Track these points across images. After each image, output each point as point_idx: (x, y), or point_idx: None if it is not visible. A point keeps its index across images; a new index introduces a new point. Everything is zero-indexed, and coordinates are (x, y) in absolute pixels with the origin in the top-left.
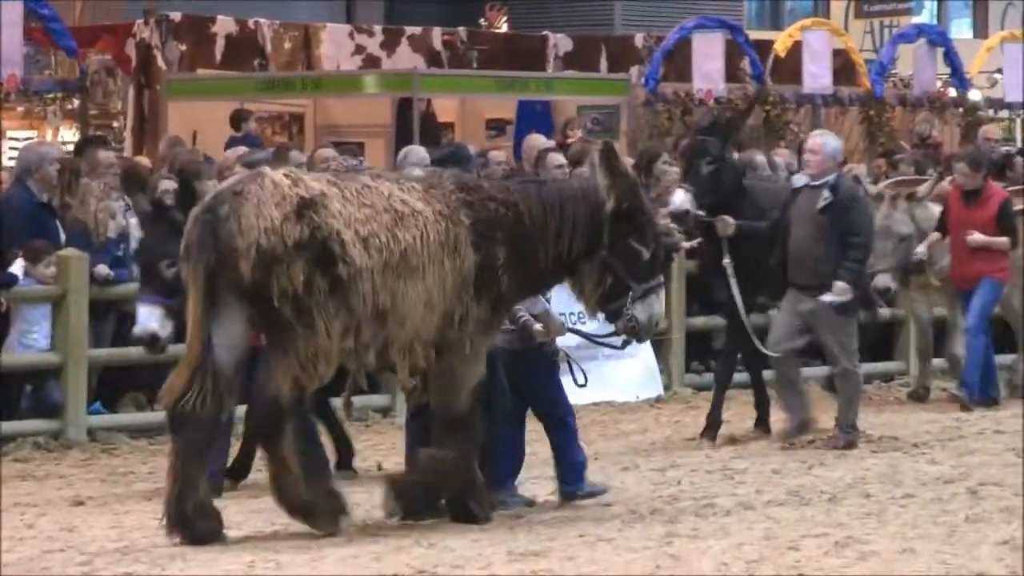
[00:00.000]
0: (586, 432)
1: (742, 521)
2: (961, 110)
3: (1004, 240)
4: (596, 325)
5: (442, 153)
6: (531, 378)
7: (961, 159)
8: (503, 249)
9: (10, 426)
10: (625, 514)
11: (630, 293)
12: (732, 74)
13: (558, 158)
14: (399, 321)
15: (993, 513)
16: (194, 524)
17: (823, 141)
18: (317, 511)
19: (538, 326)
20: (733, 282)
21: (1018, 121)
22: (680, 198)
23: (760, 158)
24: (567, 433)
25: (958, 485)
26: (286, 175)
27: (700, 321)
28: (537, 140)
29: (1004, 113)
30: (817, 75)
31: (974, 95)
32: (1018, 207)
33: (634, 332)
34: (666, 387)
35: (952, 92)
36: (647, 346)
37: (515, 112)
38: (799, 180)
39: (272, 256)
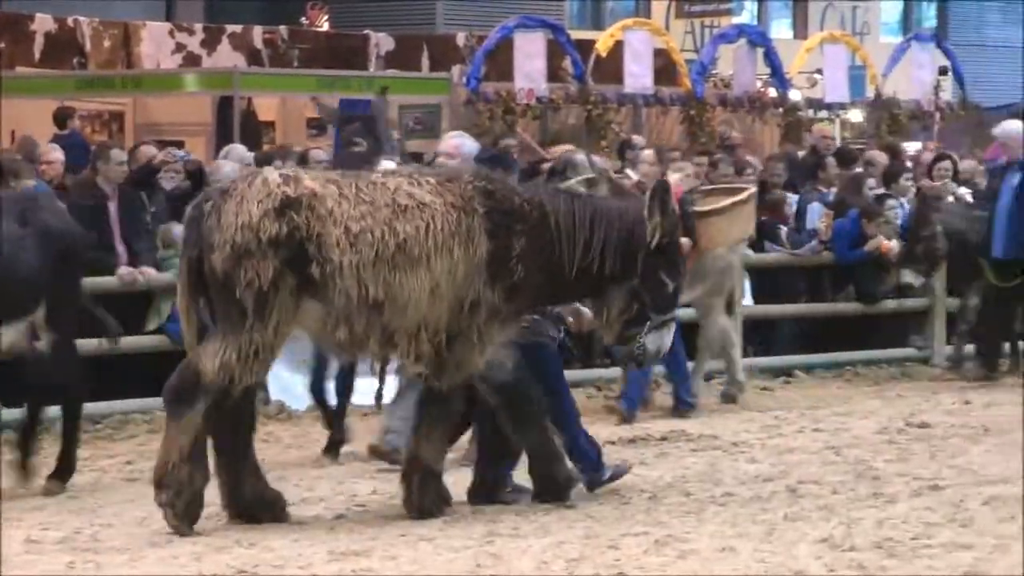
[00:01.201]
0: None
1: (563, 520)
2: (781, 110)
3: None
4: None
5: (489, 154)
6: (537, 372)
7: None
8: (520, 240)
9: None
10: (446, 514)
11: (648, 323)
12: (554, 74)
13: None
14: (399, 310)
15: (812, 511)
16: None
17: (459, 143)
18: (172, 488)
19: (569, 318)
20: None
21: (837, 121)
22: None
23: (580, 157)
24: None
25: (777, 483)
26: (282, 174)
27: None
28: None
29: (824, 113)
30: (638, 75)
31: (794, 95)
32: (705, 207)
33: (638, 360)
34: None
35: (772, 92)
36: None
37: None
38: None
39: (244, 250)
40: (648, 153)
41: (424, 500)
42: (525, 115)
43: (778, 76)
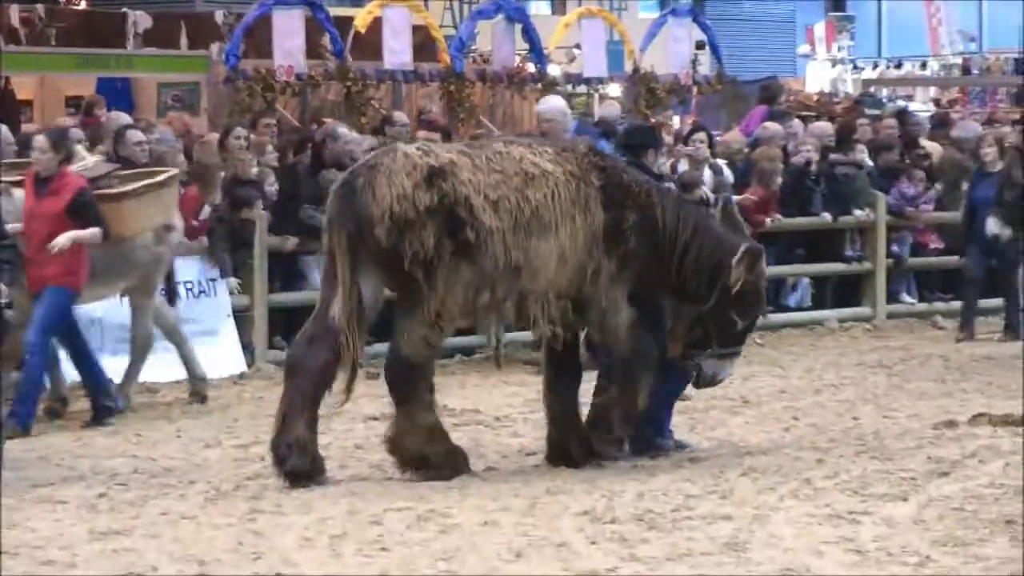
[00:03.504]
0: (169, 410)
1: (326, 496)
2: (540, 85)
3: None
4: None
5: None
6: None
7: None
8: (632, 214)
9: None
10: (209, 491)
11: (709, 350)
12: (313, 51)
13: (137, 135)
14: (533, 275)
15: (574, 484)
16: (287, 460)
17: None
18: (431, 464)
19: None
20: None
21: (596, 96)
22: None
23: (342, 129)
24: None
25: (539, 457)
26: (418, 148)
27: (281, 297)
28: (119, 117)
29: (582, 88)
30: (397, 51)
31: (553, 70)
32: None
33: (695, 381)
34: (249, 364)
35: (531, 68)
36: (230, 322)
37: (95, 89)
38: None
39: (404, 221)
40: (41, 139)
41: (573, 450)
42: (285, 92)
43: (536, 51)
